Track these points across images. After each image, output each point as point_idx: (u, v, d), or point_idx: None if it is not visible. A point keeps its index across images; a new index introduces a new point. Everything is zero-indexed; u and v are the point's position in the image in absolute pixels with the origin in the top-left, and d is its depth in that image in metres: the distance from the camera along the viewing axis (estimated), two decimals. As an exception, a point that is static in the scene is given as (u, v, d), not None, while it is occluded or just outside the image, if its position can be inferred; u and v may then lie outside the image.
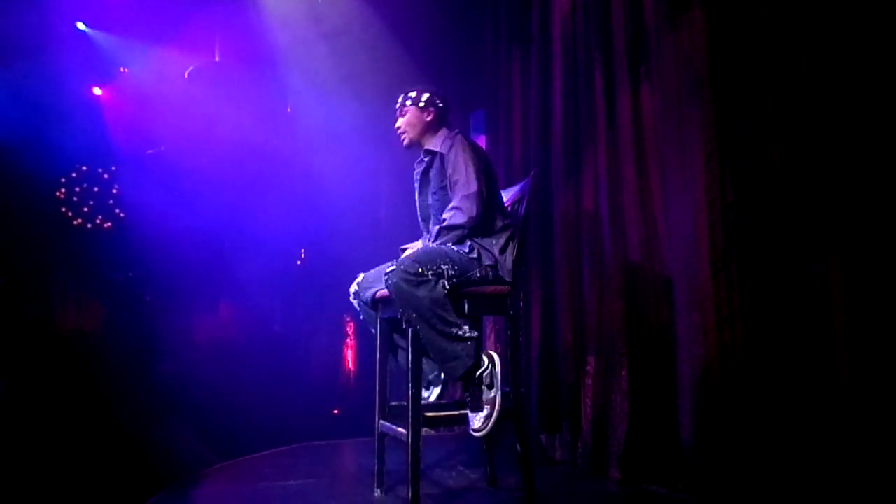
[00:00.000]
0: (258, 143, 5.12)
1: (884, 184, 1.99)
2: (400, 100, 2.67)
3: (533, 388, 3.21)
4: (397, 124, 2.67)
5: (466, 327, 2.25)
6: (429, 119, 2.62)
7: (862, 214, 2.03)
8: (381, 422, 2.48)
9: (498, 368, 2.23)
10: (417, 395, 2.24)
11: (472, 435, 2.26)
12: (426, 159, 2.63)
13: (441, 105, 2.64)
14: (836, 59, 2.10)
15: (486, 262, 2.37)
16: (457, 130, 2.59)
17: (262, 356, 4.74)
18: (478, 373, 2.24)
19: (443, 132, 2.62)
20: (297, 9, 4.49)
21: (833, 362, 2.06)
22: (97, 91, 5.79)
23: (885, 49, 2.00)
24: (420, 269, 2.21)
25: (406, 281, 2.20)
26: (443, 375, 2.47)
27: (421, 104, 2.62)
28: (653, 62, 2.75)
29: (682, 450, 2.47)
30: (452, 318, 2.24)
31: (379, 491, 2.52)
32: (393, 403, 2.53)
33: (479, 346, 2.29)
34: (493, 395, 2.21)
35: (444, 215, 2.42)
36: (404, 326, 2.27)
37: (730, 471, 2.27)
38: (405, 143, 2.66)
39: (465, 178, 2.40)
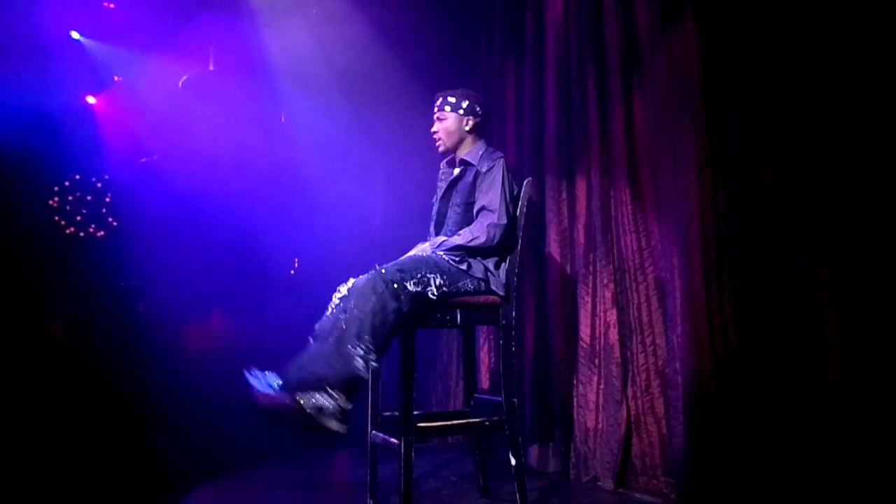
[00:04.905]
0: (252, 152, 5.12)
1: (875, 193, 2.00)
2: (439, 101, 2.60)
3: (526, 398, 3.20)
4: (434, 129, 2.61)
5: (372, 358, 2.08)
6: (468, 128, 2.58)
7: (853, 224, 2.04)
8: (374, 432, 2.47)
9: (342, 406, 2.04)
10: (409, 406, 2.22)
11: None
12: (457, 170, 2.59)
13: (480, 113, 2.60)
14: (826, 68, 2.12)
15: (477, 274, 2.37)
16: (500, 154, 2.53)
17: (255, 366, 4.73)
18: (330, 392, 2.03)
19: (480, 144, 2.58)
20: (291, 18, 4.50)
21: (825, 371, 2.07)
22: (91, 100, 5.79)
23: (876, 59, 2.01)
24: (400, 278, 2.16)
25: (372, 280, 2.14)
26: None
27: (461, 111, 2.57)
28: (645, 73, 2.77)
29: (675, 459, 2.47)
30: (369, 345, 2.07)
31: (371, 501, 2.51)
32: (385, 413, 2.52)
33: (356, 389, 2.10)
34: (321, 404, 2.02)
35: (465, 233, 2.41)
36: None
37: (723, 480, 2.27)
38: (440, 149, 2.61)
39: (498, 209, 2.40)
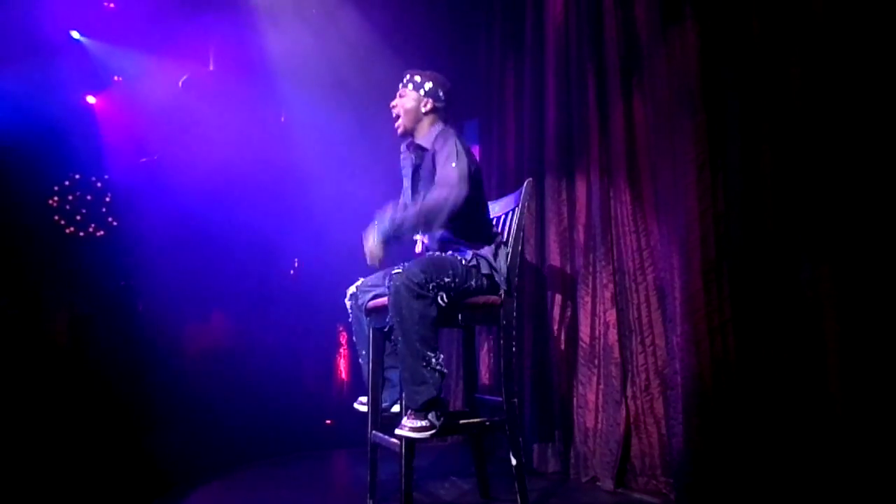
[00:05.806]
0: (252, 152, 5.11)
1: (874, 194, 2.01)
2: (405, 78, 2.56)
3: (526, 398, 3.20)
4: (393, 103, 2.56)
5: (441, 358, 2.20)
6: (425, 109, 2.51)
7: (853, 224, 2.05)
8: (374, 432, 2.47)
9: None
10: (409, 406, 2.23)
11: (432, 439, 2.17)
12: (413, 155, 2.53)
13: (443, 98, 2.53)
14: (826, 69, 2.12)
15: (484, 270, 2.36)
16: (452, 130, 2.47)
17: (254, 366, 4.73)
18: (437, 410, 2.18)
19: (437, 127, 2.51)
20: (291, 18, 4.50)
21: (824, 371, 2.07)
22: (91, 99, 5.78)
23: (876, 60, 2.02)
24: (425, 280, 2.18)
25: (408, 288, 2.16)
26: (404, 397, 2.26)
27: (422, 91, 2.52)
28: (645, 73, 2.77)
29: (674, 459, 2.47)
30: (433, 343, 2.19)
31: (371, 501, 2.51)
32: (386, 413, 2.52)
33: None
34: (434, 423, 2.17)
35: (435, 193, 2.29)
36: (392, 337, 2.24)
37: (723, 480, 2.27)
38: (399, 130, 2.56)
39: (456, 178, 2.28)
